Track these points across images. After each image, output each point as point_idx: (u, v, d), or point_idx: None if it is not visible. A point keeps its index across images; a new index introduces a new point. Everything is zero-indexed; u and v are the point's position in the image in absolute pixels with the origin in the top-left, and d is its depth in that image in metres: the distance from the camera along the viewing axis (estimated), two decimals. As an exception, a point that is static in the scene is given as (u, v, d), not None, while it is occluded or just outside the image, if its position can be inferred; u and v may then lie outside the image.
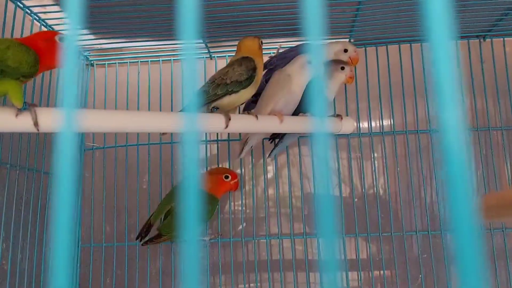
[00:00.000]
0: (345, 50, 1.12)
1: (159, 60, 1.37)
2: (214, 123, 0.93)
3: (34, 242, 1.10)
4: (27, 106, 0.71)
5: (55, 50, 0.75)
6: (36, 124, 0.72)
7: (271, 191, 1.31)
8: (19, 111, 0.71)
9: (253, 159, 1.31)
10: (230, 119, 0.94)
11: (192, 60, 0.25)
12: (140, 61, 1.38)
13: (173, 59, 1.37)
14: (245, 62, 1.02)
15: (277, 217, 1.28)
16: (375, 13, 1.11)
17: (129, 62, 1.38)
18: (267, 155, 1.29)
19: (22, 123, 0.71)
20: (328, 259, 0.23)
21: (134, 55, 1.37)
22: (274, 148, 1.24)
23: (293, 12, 1.09)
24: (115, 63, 1.38)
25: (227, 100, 1.01)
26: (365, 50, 1.31)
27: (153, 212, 1.15)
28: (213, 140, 1.33)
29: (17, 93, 0.69)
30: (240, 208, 1.31)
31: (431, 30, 0.24)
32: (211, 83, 1.00)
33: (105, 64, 1.39)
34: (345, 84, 1.21)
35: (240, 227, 1.29)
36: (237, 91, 1.00)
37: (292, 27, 1.19)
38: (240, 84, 0.99)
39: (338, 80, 1.12)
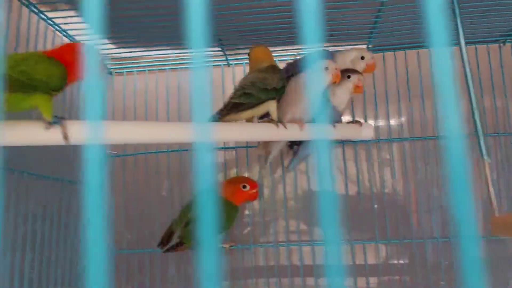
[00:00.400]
0: (362, 57, 1.12)
1: (177, 68, 1.38)
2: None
3: (60, 250, 1.11)
4: (57, 120, 0.72)
5: (80, 64, 0.76)
6: (66, 137, 0.73)
7: (288, 195, 1.31)
8: (49, 124, 0.72)
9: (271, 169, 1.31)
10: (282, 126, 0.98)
11: (201, 68, 0.26)
12: (159, 69, 1.39)
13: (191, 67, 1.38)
14: (278, 70, 1.02)
15: (297, 222, 1.29)
16: (395, 18, 1.11)
17: (148, 70, 1.39)
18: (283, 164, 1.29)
19: (52, 136, 0.72)
20: (332, 263, 0.24)
21: (152, 63, 1.38)
22: (293, 159, 1.24)
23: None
24: (134, 71, 1.39)
25: (263, 107, 0.99)
26: (383, 56, 1.31)
27: (174, 220, 1.15)
28: (231, 147, 1.33)
29: (47, 107, 0.71)
30: (258, 212, 1.31)
31: (431, 35, 0.25)
32: (253, 86, 0.97)
33: (123, 72, 1.40)
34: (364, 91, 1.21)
35: (251, 232, 1.30)
36: (273, 99, 1.00)
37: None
38: (278, 91, 0.99)
39: (346, 89, 1.11)
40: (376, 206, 1.28)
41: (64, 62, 0.74)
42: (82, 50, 0.76)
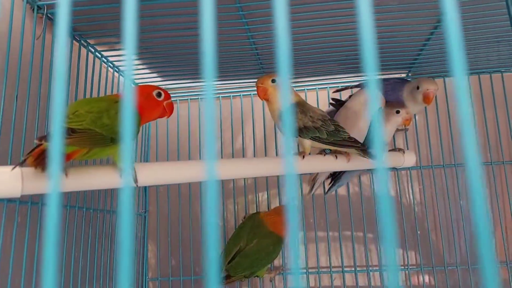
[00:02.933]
0: (418, 87, 1.13)
1: (218, 96, 1.41)
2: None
3: (105, 276, 1.14)
4: (129, 165, 0.75)
5: (154, 105, 0.79)
6: (135, 180, 0.77)
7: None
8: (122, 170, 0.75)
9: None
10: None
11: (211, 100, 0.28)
12: (190, 99, 1.42)
13: (221, 97, 1.41)
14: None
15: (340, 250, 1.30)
16: (438, 50, 1.12)
17: (179, 99, 1.42)
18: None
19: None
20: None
21: (183, 93, 1.42)
22: (331, 186, 1.25)
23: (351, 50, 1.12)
24: (176, 100, 1.43)
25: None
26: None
27: (222, 252, 1.17)
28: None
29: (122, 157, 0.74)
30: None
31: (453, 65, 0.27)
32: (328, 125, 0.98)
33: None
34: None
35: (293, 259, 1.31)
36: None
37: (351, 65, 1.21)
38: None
39: (394, 123, 1.13)
40: (418, 232, 1.29)
41: (136, 106, 0.77)
42: (154, 94, 0.79)
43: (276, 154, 1.37)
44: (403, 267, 1.29)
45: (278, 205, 1.33)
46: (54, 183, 0.27)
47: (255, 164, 0.96)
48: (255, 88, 1.36)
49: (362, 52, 0.27)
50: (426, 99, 1.11)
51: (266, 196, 1.36)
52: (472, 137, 0.27)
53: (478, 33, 1.03)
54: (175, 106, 1.39)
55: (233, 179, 1.35)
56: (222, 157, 1.39)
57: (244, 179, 1.36)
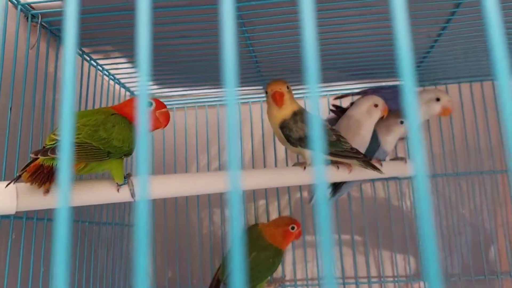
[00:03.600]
0: (438, 99, 1.11)
1: (216, 105, 1.39)
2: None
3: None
4: (125, 180, 0.73)
5: (150, 118, 0.77)
6: (133, 195, 0.74)
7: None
8: (119, 185, 0.72)
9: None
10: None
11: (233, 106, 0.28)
12: (187, 107, 1.40)
13: (219, 105, 1.39)
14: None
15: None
16: (442, 57, 1.11)
17: (175, 107, 1.40)
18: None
19: (121, 195, 0.73)
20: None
21: (180, 101, 1.40)
22: (332, 196, 1.23)
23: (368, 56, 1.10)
24: (173, 108, 1.40)
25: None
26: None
27: (219, 266, 1.14)
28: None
29: (119, 172, 0.71)
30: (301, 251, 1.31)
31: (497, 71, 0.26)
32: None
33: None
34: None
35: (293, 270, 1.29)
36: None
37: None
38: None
39: (397, 134, 1.11)
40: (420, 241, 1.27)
41: (132, 119, 0.74)
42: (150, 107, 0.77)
43: (275, 162, 1.34)
44: (404, 278, 1.27)
45: (277, 215, 1.30)
46: (64, 199, 0.27)
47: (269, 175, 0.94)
48: (254, 96, 1.36)
49: (398, 60, 0.27)
50: (446, 111, 1.11)
51: (265, 206, 1.34)
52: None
53: (479, 40, 1.01)
54: (171, 114, 1.38)
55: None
56: (220, 164, 1.36)
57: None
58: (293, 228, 1.12)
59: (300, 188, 1.31)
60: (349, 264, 1.28)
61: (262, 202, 1.34)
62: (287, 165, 1.33)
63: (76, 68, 0.95)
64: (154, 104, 0.78)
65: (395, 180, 1.30)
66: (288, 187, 1.32)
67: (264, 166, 1.34)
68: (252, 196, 1.33)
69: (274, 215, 1.32)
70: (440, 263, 1.23)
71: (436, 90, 1.15)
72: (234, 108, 0.28)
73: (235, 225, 0.27)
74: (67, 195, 0.27)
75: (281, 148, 1.32)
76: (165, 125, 0.80)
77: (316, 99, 0.28)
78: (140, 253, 0.26)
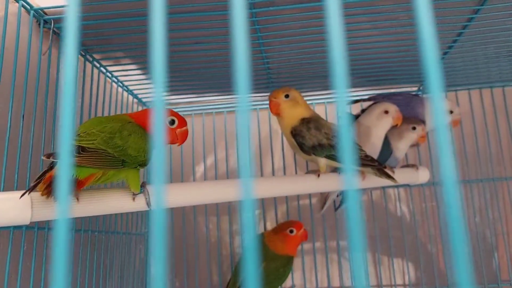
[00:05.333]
0: (451, 112, 1.13)
1: (223, 111, 1.38)
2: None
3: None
4: (142, 189, 0.71)
5: (169, 134, 0.75)
6: (149, 204, 0.73)
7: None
8: (135, 194, 0.71)
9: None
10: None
11: (246, 113, 0.27)
12: (194, 114, 1.38)
13: (226, 111, 1.38)
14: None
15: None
16: (453, 64, 1.10)
17: (194, 114, 1.38)
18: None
19: (137, 204, 0.72)
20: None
21: (187, 108, 1.39)
22: (341, 204, 1.22)
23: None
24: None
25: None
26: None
27: (230, 279, 1.12)
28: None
29: (135, 182, 0.69)
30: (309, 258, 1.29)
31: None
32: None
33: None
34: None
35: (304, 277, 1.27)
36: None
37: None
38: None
39: (409, 140, 1.10)
40: (433, 249, 1.26)
41: (149, 129, 0.72)
42: (166, 121, 0.75)
43: (283, 169, 1.33)
44: (415, 286, 1.25)
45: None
46: (63, 208, 0.26)
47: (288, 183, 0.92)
48: (263, 103, 1.35)
49: (425, 66, 0.26)
50: (456, 123, 1.14)
51: (274, 213, 1.32)
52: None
53: (491, 48, 1.01)
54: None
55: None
56: (227, 171, 1.35)
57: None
58: (291, 231, 1.08)
59: (310, 195, 1.29)
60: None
61: (270, 209, 1.32)
62: (295, 172, 1.32)
63: (77, 70, 0.94)
64: (176, 122, 0.76)
65: (405, 188, 1.29)
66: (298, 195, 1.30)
67: (273, 173, 1.32)
68: (261, 204, 1.32)
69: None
70: (442, 271, 1.22)
71: (450, 103, 1.15)
72: (247, 115, 0.27)
73: (248, 233, 0.26)
74: (66, 205, 0.26)
75: (289, 153, 1.31)
76: (181, 143, 0.78)
77: (343, 105, 0.27)
78: (158, 263, 0.25)
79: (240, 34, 0.28)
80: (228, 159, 1.35)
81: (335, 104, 1.33)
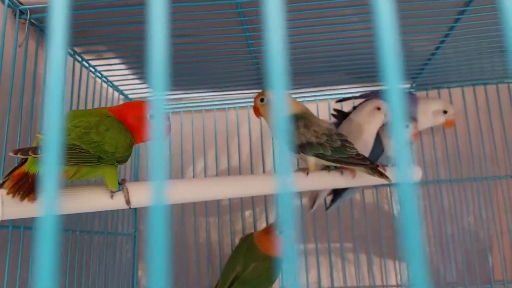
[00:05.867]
0: (445, 112, 1.11)
1: (212, 109, 1.35)
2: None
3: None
4: (120, 186, 0.68)
5: (145, 127, 0.72)
6: (128, 202, 0.70)
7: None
8: (113, 192, 0.68)
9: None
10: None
11: None
12: (195, 110, 1.35)
13: (215, 108, 1.35)
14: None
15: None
16: (445, 61, 1.08)
17: (182, 111, 1.35)
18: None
19: (116, 202, 0.69)
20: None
21: (185, 104, 1.35)
22: (332, 203, 1.19)
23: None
24: (169, 111, 1.36)
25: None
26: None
27: (219, 279, 1.09)
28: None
29: (112, 179, 0.66)
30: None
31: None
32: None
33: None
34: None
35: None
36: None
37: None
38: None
39: None
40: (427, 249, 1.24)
41: (129, 124, 0.69)
42: (147, 115, 0.72)
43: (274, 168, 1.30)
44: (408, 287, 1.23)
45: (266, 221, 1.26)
46: (49, 208, 0.24)
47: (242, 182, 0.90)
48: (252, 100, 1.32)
49: (381, 62, 0.25)
50: (450, 123, 1.13)
51: (252, 214, 1.29)
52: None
53: (484, 43, 0.99)
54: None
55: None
56: (217, 171, 1.32)
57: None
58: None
59: (301, 195, 1.27)
60: (351, 272, 1.24)
61: (259, 210, 1.29)
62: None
63: (65, 64, 0.91)
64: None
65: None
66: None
67: (264, 170, 1.30)
68: (250, 204, 1.29)
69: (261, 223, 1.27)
70: (435, 271, 1.20)
71: (444, 103, 1.14)
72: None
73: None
74: (53, 202, 0.24)
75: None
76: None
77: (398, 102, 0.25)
78: (156, 264, 0.24)
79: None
80: (218, 158, 1.32)
81: (328, 101, 1.31)
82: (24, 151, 0.56)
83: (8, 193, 0.55)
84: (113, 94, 1.20)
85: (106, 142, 0.63)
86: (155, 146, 0.25)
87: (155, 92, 0.26)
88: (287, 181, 0.25)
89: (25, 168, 0.57)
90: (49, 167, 0.24)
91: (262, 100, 0.95)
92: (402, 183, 0.25)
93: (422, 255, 0.24)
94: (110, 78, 1.14)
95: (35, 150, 0.56)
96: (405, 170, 0.25)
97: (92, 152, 0.62)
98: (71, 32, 0.79)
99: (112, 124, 0.65)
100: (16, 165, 0.61)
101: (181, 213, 1.28)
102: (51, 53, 0.25)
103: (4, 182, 0.56)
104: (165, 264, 0.24)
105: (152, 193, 0.25)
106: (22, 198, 0.55)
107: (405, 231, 0.24)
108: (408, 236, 0.24)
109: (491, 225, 1.21)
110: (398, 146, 0.26)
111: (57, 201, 0.24)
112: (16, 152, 0.56)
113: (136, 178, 1.32)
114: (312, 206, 1.16)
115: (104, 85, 1.15)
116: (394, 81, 0.25)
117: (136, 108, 0.71)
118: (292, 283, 0.25)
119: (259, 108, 0.95)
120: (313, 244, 1.25)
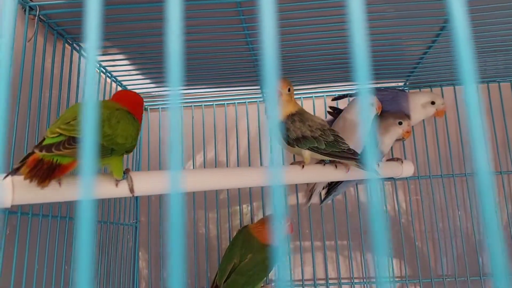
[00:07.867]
0: (433, 103, 1.15)
1: (212, 105, 1.38)
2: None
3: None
4: (124, 175, 0.72)
5: (141, 114, 0.78)
6: (132, 190, 0.73)
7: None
8: (118, 180, 0.71)
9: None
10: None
11: None
12: (194, 106, 1.39)
13: (215, 104, 1.39)
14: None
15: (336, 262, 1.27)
16: (439, 59, 1.11)
17: (183, 106, 1.39)
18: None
19: (120, 190, 0.72)
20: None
21: (185, 99, 1.39)
22: (326, 197, 1.22)
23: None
24: (167, 107, 1.39)
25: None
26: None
27: (217, 271, 1.12)
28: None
29: (118, 168, 0.70)
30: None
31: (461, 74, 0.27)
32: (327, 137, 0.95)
33: (158, 108, 1.40)
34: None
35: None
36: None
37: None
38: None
39: (395, 134, 1.12)
40: (417, 243, 1.28)
41: (137, 115, 0.74)
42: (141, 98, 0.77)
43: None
44: (399, 279, 1.27)
45: (263, 216, 1.29)
46: (87, 197, 0.27)
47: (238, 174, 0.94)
48: (251, 96, 1.36)
49: (354, 60, 0.28)
50: (441, 113, 1.17)
51: (250, 207, 1.33)
52: (482, 146, 0.27)
53: (486, 41, 1.02)
54: (165, 113, 1.38)
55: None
56: (216, 164, 1.36)
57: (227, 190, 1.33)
58: None
59: (297, 189, 1.30)
60: (344, 266, 1.28)
61: (256, 205, 1.33)
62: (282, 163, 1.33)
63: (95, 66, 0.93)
64: None
65: (390, 181, 1.30)
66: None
67: (261, 164, 1.33)
68: (248, 197, 1.32)
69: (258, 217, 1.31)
70: (426, 264, 1.24)
71: (431, 94, 1.18)
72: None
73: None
74: (90, 192, 0.27)
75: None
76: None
77: (366, 98, 0.28)
78: (175, 254, 0.26)
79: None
80: (218, 152, 1.36)
81: (324, 98, 1.35)
82: (48, 148, 0.59)
83: (25, 178, 0.58)
84: (111, 85, 1.23)
85: (118, 134, 0.67)
86: (172, 137, 0.27)
87: (171, 87, 0.28)
88: (279, 172, 0.28)
89: (39, 155, 0.60)
90: (86, 161, 0.27)
91: (289, 90, 0.97)
92: (370, 178, 0.27)
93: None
94: (114, 74, 1.17)
95: (58, 146, 0.59)
96: (372, 164, 0.28)
97: (106, 145, 0.66)
98: (75, 27, 0.82)
99: (122, 116, 0.69)
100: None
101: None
102: (86, 61, 0.28)
103: (18, 168, 0.59)
104: (182, 247, 0.26)
105: (169, 181, 0.27)
106: (39, 184, 0.58)
107: (372, 225, 0.26)
108: (375, 226, 0.26)
109: (481, 220, 1.25)
110: (367, 140, 0.28)
111: (94, 191, 0.27)
112: (41, 149, 0.59)
113: (138, 168, 1.36)
114: (308, 200, 1.20)
115: (108, 80, 1.18)
116: (363, 79, 0.28)
117: (133, 97, 0.77)
118: (282, 273, 0.27)
119: (284, 95, 0.96)
120: (308, 239, 1.29)
